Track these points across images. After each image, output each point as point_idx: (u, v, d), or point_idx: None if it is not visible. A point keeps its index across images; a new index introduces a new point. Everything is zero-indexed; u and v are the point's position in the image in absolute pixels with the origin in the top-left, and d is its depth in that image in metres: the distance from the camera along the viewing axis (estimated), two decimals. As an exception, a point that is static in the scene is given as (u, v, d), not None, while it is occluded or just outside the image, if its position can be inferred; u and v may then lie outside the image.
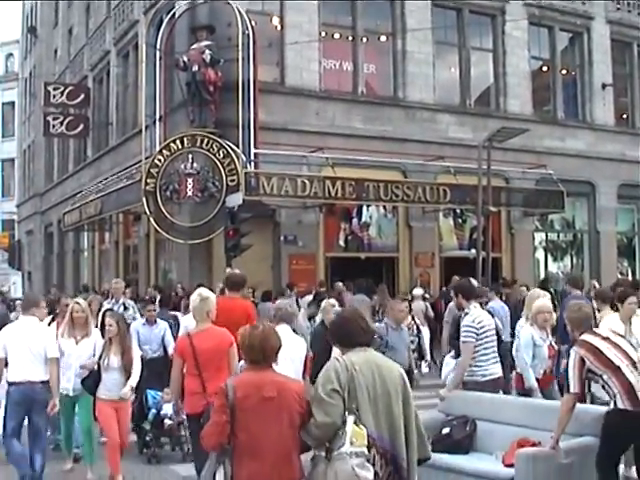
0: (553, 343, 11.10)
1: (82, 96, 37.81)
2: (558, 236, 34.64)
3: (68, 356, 11.28)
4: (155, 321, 15.41)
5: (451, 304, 16.65)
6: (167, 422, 12.52)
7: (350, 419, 5.93)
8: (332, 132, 26.80)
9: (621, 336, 8.57)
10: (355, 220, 28.54)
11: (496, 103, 31.57)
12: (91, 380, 10.92)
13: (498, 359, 10.74)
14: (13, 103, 64.98)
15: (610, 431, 8.05)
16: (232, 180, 23.94)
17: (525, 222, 31.50)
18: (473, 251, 27.21)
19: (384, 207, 28.54)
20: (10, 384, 10.48)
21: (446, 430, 9.65)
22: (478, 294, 11.93)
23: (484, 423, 9.59)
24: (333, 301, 13.16)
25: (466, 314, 10.65)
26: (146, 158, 26.11)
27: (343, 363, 6.17)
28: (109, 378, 10.89)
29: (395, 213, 28.97)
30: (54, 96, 37.41)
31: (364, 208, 28.50)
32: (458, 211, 29.63)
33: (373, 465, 5.93)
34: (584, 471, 8.24)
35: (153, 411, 12.69)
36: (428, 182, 27.13)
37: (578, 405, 8.27)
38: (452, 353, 11.83)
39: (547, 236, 33.79)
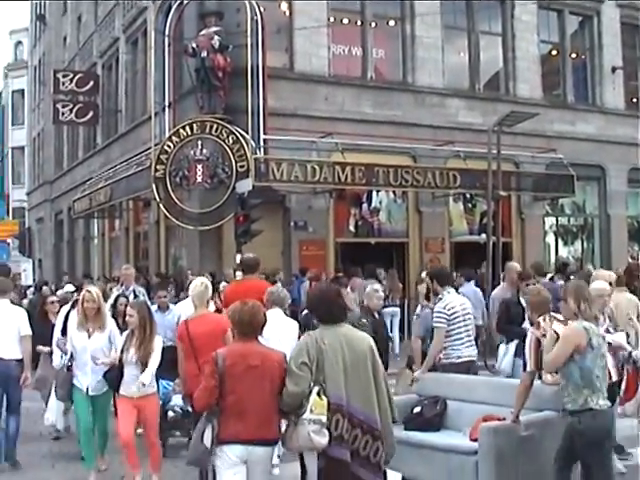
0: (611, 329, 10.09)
1: (91, 83, 37.76)
2: (569, 220, 34.56)
3: (82, 351, 10.71)
4: (167, 307, 14.65)
5: (496, 290, 15.92)
6: (170, 414, 12.08)
7: (314, 390, 6.73)
8: (341, 117, 26.76)
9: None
10: (365, 205, 28.53)
11: (505, 87, 31.46)
12: (113, 373, 10.26)
13: (473, 342, 11.33)
14: (23, 91, 64.98)
15: None
16: (242, 166, 23.94)
17: (535, 207, 31.43)
18: (483, 236, 27.17)
19: (394, 192, 28.52)
20: None
21: (417, 409, 10.11)
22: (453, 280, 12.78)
23: (455, 402, 10.15)
24: (377, 286, 12.14)
25: (439, 299, 11.15)
26: (155, 145, 26.08)
27: (313, 338, 7.00)
28: (128, 374, 10.19)
29: (405, 198, 28.96)
30: (63, 83, 37.35)
31: (374, 193, 28.47)
32: (468, 196, 29.55)
33: (335, 430, 6.72)
34: (543, 443, 8.73)
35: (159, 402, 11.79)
36: (438, 167, 27.12)
37: (537, 382, 8.86)
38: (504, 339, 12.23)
39: (557, 220, 33.73)
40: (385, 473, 7.23)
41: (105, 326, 10.83)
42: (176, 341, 10.43)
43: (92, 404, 10.86)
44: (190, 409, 10.30)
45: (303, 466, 7.57)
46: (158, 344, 10.33)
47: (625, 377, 9.32)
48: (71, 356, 11.00)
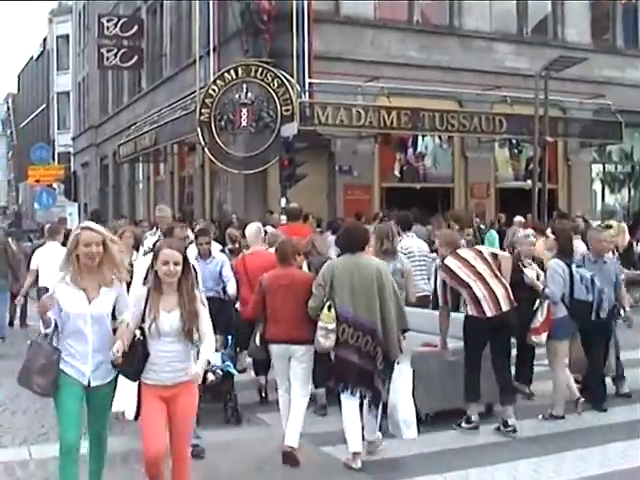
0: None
1: (136, 28, 37.74)
2: (616, 167, 34.23)
3: (75, 320, 6.90)
4: (209, 254, 12.55)
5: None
6: (210, 377, 9.74)
7: (326, 304, 8.69)
8: (387, 61, 26.58)
9: (482, 257, 10.16)
10: (410, 150, 28.46)
11: (554, 32, 31.08)
12: (134, 357, 6.88)
13: (427, 279, 12.89)
14: (67, 36, 64.96)
15: (466, 334, 10.00)
16: (287, 110, 23.92)
17: (582, 153, 31.18)
18: (529, 182, 27.03)
19: (439, 137, 28.44)
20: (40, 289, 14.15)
21: None
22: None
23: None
24: (529, 231, 12.39)
25: (399, 241, 12.24)
26: (200, 89, 26.09)
27: (331, 264, 9.17)
28: (159, 351, 6.92)
29: (451, 143, 28.85)
30: (108, 28, 37.37)
31: (419, 138, 28.40)
32: (514, 141, 29.42)
33: (342, 336, 8.64)
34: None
35: None
36: (484, 112, 26.94)
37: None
38: None
39: (604, 167, 33.45)
40: (392, 367, 8.89)
41: (112, 284, 7.05)
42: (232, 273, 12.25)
43: (87, 403, 7.14)
44: (231, 371, 10.47)
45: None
46: (205, 310, 7.20)
47: (545, 311, 10.35)
48: (55, 327, 6.95)
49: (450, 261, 10.12)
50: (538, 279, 10.89)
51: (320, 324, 8.65)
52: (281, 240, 10.28)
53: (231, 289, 12.38)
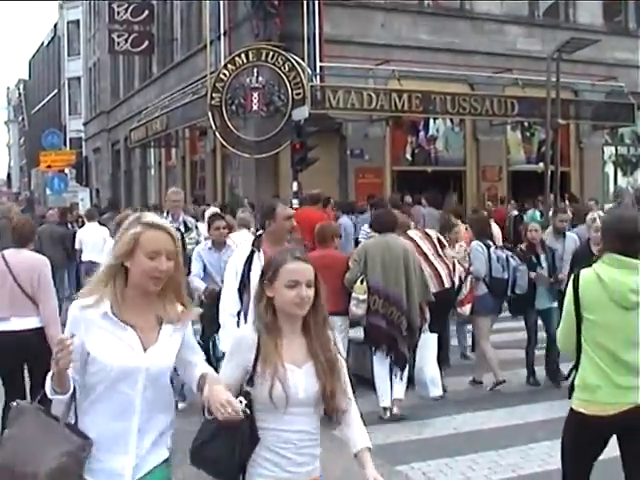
0: None
1: (146, 12, 37.75)
2: (628, 150, 34.09)
3: (116, 380, 4.07)
4: (224, 243, 11.17)
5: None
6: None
7: (359, 278, 9.94)
8: (398, 44, 26.50)
9: (428, 239, 11.38)
10: (422, 133, 28.42)
11: (565, 14, 30.96)
12: (236, 444, 4.12)
13: None
14: (78, 22, 64.89)
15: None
16: (298, 94, 23.90)
17: (594, 136, 31.08)
18: (541, 165, 26.96)
19: (451, 120, 28.38)
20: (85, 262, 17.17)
21: None
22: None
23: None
24: (596, 214, 12.33)
25: None
26: (211, 73, 26.05)
27: (364, 244, 10.97)
28: (283, 431, 4.17)
29: (462, 126, 28.79)
30: (118, 13, 37.41)
31: (431, 121, 28.35)
32: (526, 124, 29.38)
33: (373, 306, 9.88)
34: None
35: None
36: (496, 94, 26.88)
37: None
38: None
39: (617, 150, 33.32)
40: (415, 334, 10.05)
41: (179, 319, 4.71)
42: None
43: None
44: None
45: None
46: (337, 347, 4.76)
47: (469, 286, 11.34)
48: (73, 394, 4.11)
49: (413, 233, 11.63)
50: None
51: (353, 295, 9.92)
52: (324, 224, 11.48)
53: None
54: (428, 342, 10.28)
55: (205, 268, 10.89)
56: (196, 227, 12.77)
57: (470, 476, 8.05)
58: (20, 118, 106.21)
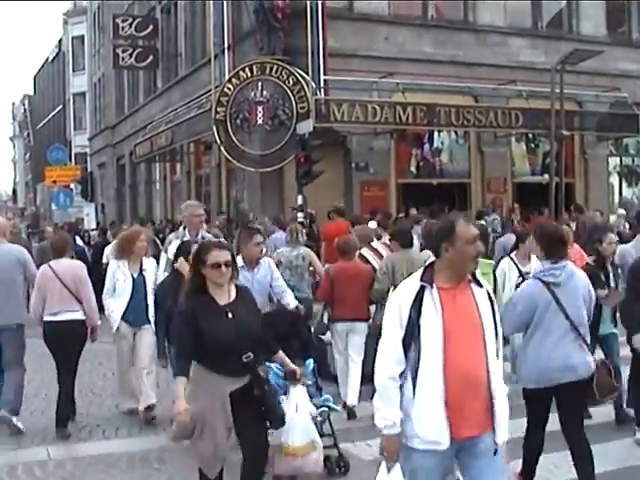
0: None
1: (151, 27, 37.83)
2: (633, 161, 34.04)
3: None
4: (257, 260, 10.17)
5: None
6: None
7: (391, 288, 10.14)
8: (402, 57, 26.54)
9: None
10: (426, 146, 28.43)
11: (569, 25, 30.98)
12: None
13: None
14: (82, 37, 65.11)
15: None
16: (302, 107, 23.95)
17: (599, 147, 31.06)
18: (546, 176, 26.95)
19: (456, 132, 28.41)
20: None
21: None
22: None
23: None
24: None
25: None
26: (216, 87, 26.15)
27: (389, 258, 11.71)
28: None
29: (467, 138, 28.80)
30: (123, 28, 37.50)
31: (435, 133, 28.36)
32: (530, 136, 29.39)
33: None
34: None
35: (284, 397, 7.84)
36: (500, 106, 26.87)
37: None
38: None
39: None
40: None
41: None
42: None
43: None
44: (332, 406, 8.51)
45: None
46: None
47: None
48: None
49: (365, 252, 12.79)
50: None
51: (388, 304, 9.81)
52: (345, 238, 12.04)
53: (291, 300, 10.55)
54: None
55: None
56: None
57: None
58: (25, 134, 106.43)
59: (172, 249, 10.64)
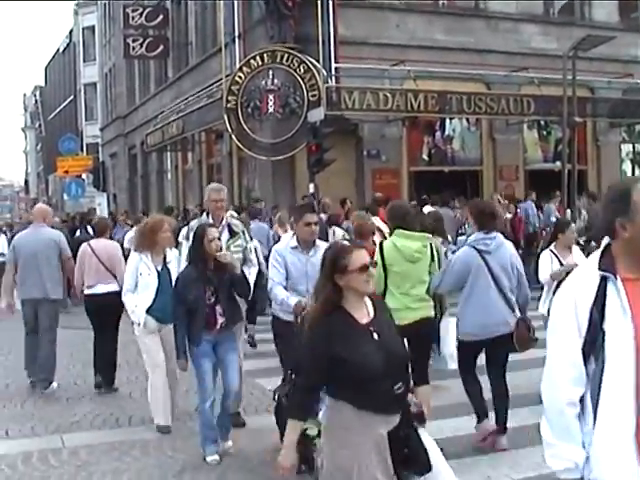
0: None
1: (161, 17, 37.83)
2: (646, 147, 33.93)
3: None
4: (314, 242, 8.81)
5: None
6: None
7: None
8: (413, 44, 26.45)
9: None
10: (438, 133, 28.36)
11: (581, 11, 30.85)
12: None
13: None
14: (93, 27, 65.06)
15: None
16: (313, 95, 23.90)
17: (611, 133, 30.96)
18: (558, 163, 26.89)
19: (467, 119, 28.32)
20: None
21: None
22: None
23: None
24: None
25: None
26: (226, 76, 26.09)
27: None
28: None
29: (479, 125, 28.73)
30: (133, 18, 37.52)
31: (447, 121, 28.29)
32: (543, 123, 29.30)
33: None
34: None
35: None
36: (512, 93, 26.82)
37: None
38: None
39: (634, 147, 33.14)
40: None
41: None
42: None
43: None
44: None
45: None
46: None
47: None
48: None
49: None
50: None
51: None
52: (361, 223, 11.46)
53: None
54: (449, 325, 9.69)
55: (287, 275, 8.70)
56: (243, 232, 10.20)
57: (491, 475, 8.03)
58: (37, 124, 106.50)
59: (182, 233, 10.21)
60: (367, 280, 5.13)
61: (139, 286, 9.90)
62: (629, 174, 32.66)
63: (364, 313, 5.19)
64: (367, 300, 5.25)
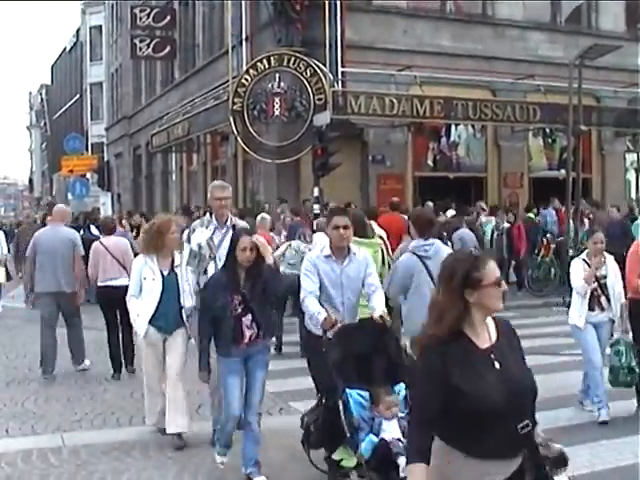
0: None
1: (168, 18, 37.87)
2: (650, 157, 33.89)
3: None
4: (348, 250, 8.16)
5: None
6: (401, 462, 6.12)
7: None
8: (420, 50, 26.45)
9: None
10: (444, 139, 28.36)
11: (588, 20, 30.88)
12: None
13: None
14: (100, 27, 65.18)
15: None
16: (319, 99, 23.89)
17: (617, 142, 30.96)
18: (563, 172, 26.82)
19: (473, 126, 28.33)
20: None
21: None
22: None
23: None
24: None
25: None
26: (233, 78, 26.11)
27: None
28: None
29: (484, 132, 28.72)
30: (140, 19, 37.57)
31: (453, 127, 28.30)
32: (548, 130, 29.28)
33: None
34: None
35: (371, 438, 6.63)
36: (518, 101, 26.79)
37: None
38: None
39: (639, 157, 33.08)
40: None
41: None
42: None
43: None
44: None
45: None
46: None
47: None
48: None
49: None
50: None
51: None
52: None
53: (377, 304, 8.02)
54: None
55: (321, 284, 8.02)
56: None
57: None
58: (42, 123, 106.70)
59: (196, 238, 9.33)
60: (500, 296, 4.36)
61: (143, 291, 9.34)
62: (633, 183, 32.67)
63: (485, 336, 4.39)
64: (489, 320, 4.45)
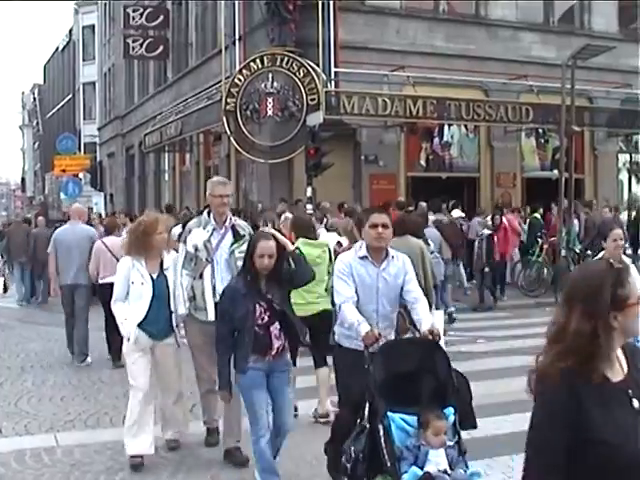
0: None
1: (161, 17, 37.86)
2: (643, 157, 33.97)
3: None
4: (386, 252, 7.41)
5: None
6: None
7: None
8: (413, 50, 26.54)
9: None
10: (436, 139, 28.41)
11: (580, 20, 30.93)
12: None
13: None
14: (93, 27, 65.08)
15: None
16: (312, 99, 23.91)
17: (609, 143, 31.03)
18: (555, 172, 26.87)
19: (466, 126, 28.37)
20: None
21: None
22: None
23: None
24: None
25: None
26: (226, 78, 26.12)
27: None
28: None
29: (477, 132, 28.78)
30: (133, 18, 37.54)
31: (445, 127, 28.34)
32: (541, 131, 29.31)
33: None
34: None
35: (415, 470, 5.82)
36: (510, 101, 26.83)
37: None
38: None
39: (632, 157, 33.19)
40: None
41: None
42: None
43: None
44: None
45: None
46: None
47: None
48: None
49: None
50: None
51: None
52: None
53: (424, 316, 7.10)
54: (436, 315, 10.82)
55: (356, 290, 7.26)
56: (250, 235, 8.49)
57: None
58: (35, 122, 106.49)
59: (192, 240, 8.74)
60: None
61: (131, 296, 8.65)
62: (625, 184, 32.75)
63: (617, 367, 3.41)
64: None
